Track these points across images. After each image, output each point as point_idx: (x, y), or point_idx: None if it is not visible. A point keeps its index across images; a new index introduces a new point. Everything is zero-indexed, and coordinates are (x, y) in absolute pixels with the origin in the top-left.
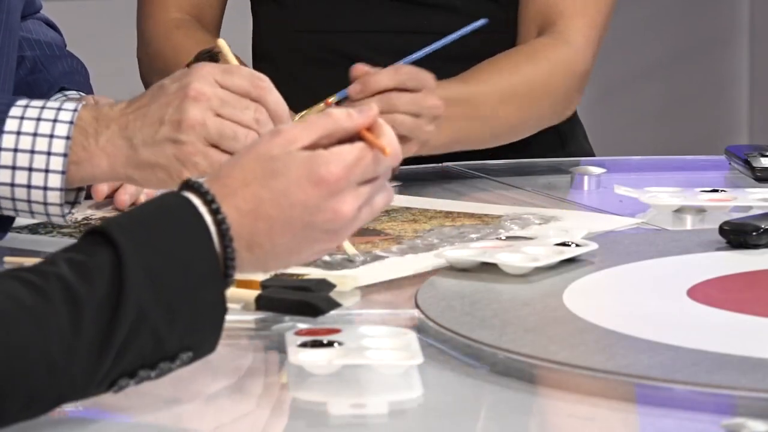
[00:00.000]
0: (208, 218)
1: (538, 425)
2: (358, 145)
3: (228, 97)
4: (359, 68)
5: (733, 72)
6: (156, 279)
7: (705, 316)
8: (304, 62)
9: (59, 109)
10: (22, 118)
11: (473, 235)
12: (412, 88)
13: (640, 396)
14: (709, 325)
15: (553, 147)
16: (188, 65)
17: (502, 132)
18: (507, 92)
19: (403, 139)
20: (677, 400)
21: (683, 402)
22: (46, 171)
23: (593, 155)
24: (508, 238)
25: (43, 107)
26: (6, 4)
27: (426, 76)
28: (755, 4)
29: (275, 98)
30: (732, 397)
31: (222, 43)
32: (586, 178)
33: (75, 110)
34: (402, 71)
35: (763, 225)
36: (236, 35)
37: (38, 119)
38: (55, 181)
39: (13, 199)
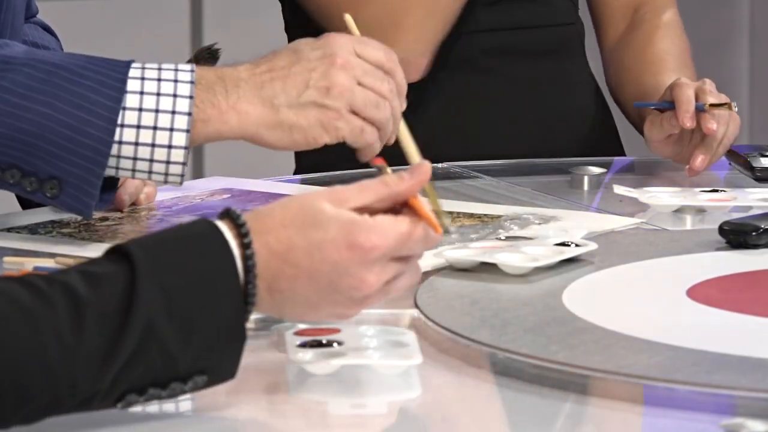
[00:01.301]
0: (236, 251)
1: (537, 425)
2: (404, 221)
3: (368, 67)
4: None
5: (733, 72)
6: (171, 297)
7: (705, 316)
8: None
9: (176, 69)
10: (142, 78)
11: (473, 235)
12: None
13: (640, 396)
14: (708, 325)
15: (613, 145)
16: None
17: None
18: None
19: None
20: (677, 400)
21: (683, 402)
22: (171, 130)
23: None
24: (508, 238)
25: (160, 68)
26: (12, 6)
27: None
28: (755, 4)
29: (401, 72)
30: (731, 397)
31: (348, 18)
32: (586, 178)
33: (192, 70)
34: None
35: (763, 225)
36: (264, 32)
37: (159, 79)
38: (179, 139)
39: (135, 159)
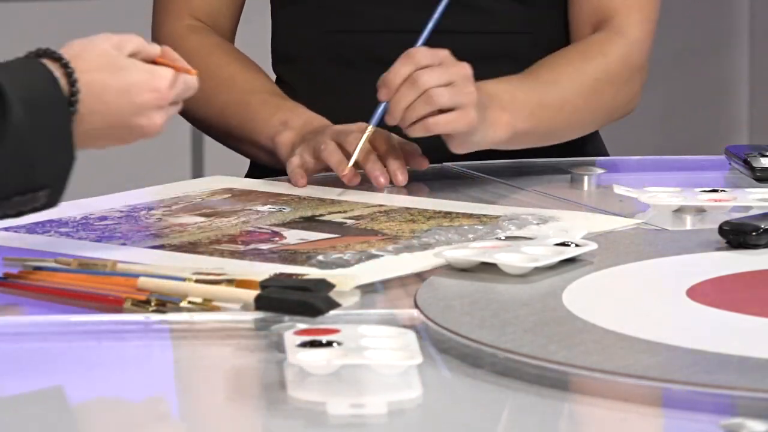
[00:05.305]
0: (65, 88)
1: (536, 425)
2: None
3: None
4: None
5: (733, 72)
6: (31, 117)
7: (704, 316)
8: (331, 63)
9: None
10: None
11: (470, 235)
12: (432, 65)
13: (639, 396)
14: (708, 325)
15: (571, 150)
16: None
17: (566, 127)
18: (571, 88)
19: (449, 137)
20: (676, 400)
21: (682, 402)
22: None
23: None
24: (508, 238)
25: None
26: None
27: (442, 52)
28: (755, 5)
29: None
30: (731, 397)
31: None
32: (586, 178)
33: None
34: (416, 54)
35: (763, 225)
36: (253, 37)
37: None
38: None
39: None
